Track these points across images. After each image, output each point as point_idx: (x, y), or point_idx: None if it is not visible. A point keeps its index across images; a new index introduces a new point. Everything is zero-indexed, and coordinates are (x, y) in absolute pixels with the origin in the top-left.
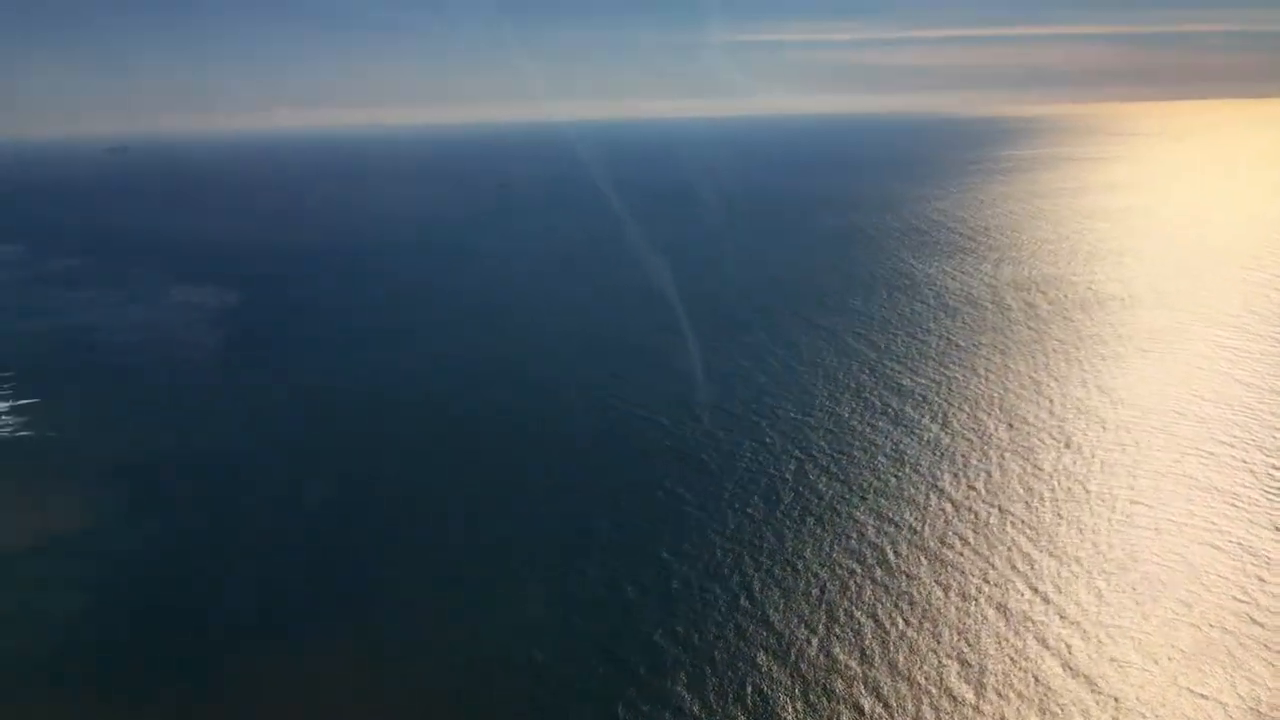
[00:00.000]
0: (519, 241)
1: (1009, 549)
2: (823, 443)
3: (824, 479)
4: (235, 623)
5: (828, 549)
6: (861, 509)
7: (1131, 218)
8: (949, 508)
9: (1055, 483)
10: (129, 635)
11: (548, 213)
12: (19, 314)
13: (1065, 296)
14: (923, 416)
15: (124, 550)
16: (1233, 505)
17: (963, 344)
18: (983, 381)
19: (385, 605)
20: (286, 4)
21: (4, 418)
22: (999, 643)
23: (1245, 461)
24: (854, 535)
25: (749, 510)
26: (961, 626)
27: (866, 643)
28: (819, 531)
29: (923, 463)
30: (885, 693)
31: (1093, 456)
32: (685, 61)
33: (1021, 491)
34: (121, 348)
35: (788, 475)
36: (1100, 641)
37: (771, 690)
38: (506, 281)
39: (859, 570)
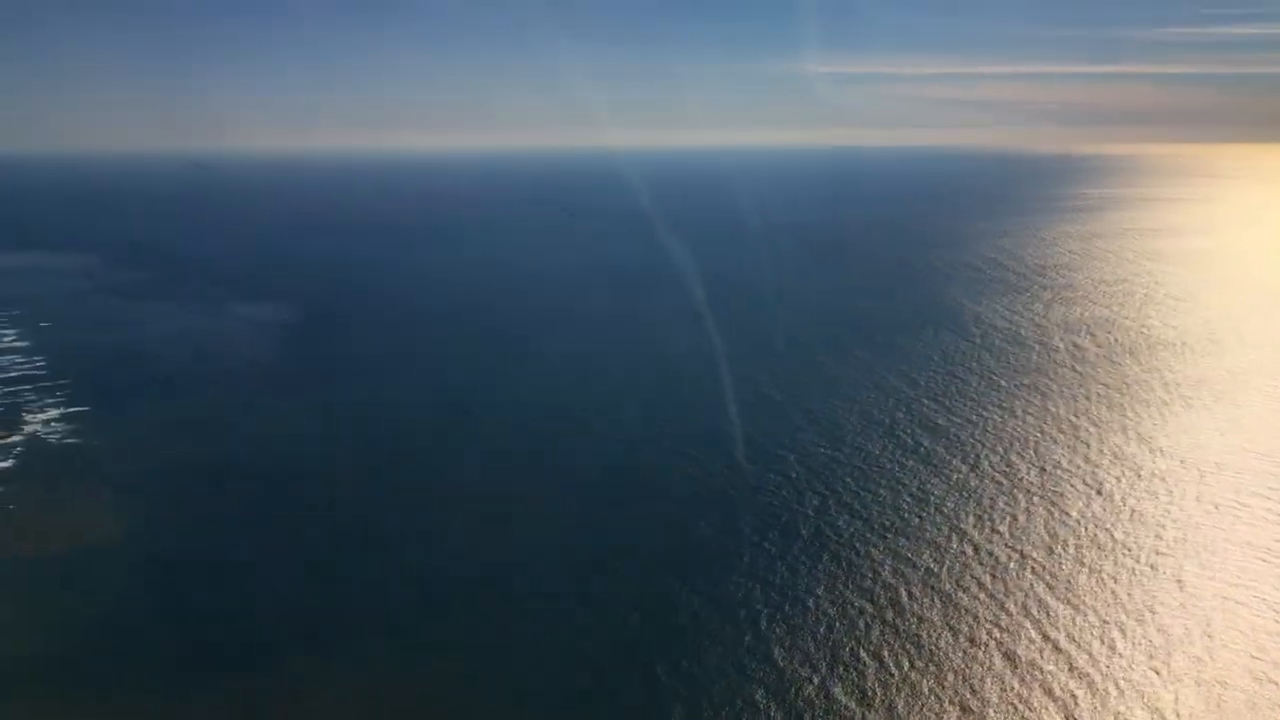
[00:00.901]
0: (571, 268)
1: (1025, 595)
2: (848, 479)
3: (845, 516)
4: (250, 635)
5: (840, 587)
6: (880, 548)
7: (1197, 261)
8: (969, 550)
9: (1081, 529)
10: (146, 641)
11: (606, 241)
12: (82, 325)
13: (1115, 340)
14: (953, 457)
15: (149, 559)
16: (1262, 560)
17: (1004, 384)
18: (1019, 423)
19: (393, 624)
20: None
21: (53, 424)
22: (1003, 690)
23: None
24: (869, 574)
25: (765, 544)
26: (967, 672)
27: (868, 684)
28: (833, 569)
29: (947, 504)
30: None
31: (1123, 505)
32: (765, 92)
33: (1045, 537)
34: (174, 360)
35: (809, 511)
36: (1107, 695)
37: None
38: (555, 308)
39: (869, 610)
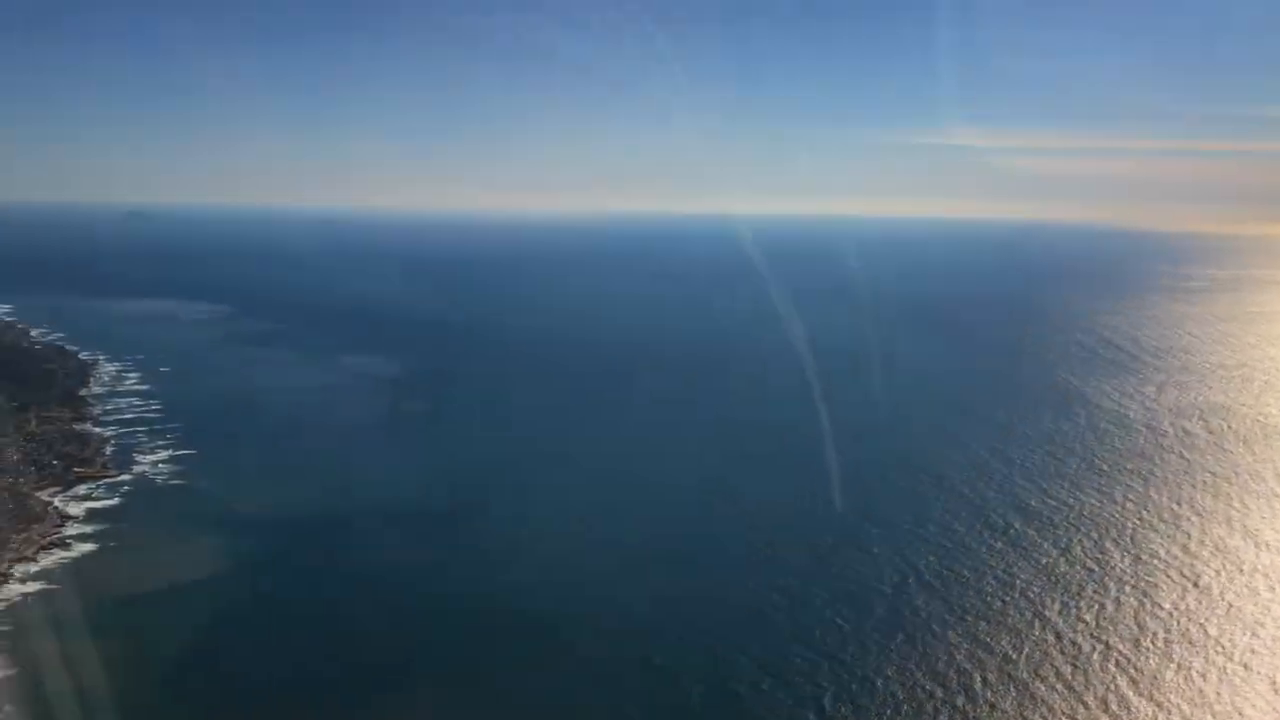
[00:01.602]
0: (676, 332)
1: (1105, 688)
2: (931, 557)
3: (923, 596)
4: (342, 679)
5: (912, 669)
6: (957, 630)
7: None
8: (1050, 639)
9: (1172, 623)
10: (234, 682)
11: (705, 307)
12: (203, 371)
13: (1228, 427)
14: (1044, 540)
15: (242, 601)
16: None
17: (1104, 468)
18: (1117, 509)
19: (472, 670)
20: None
21: (160, 466)
22: None
23: None
24: (943, 658)
25: (838, 619)
26: None
27: None
28: (906, 650)
29: (1033, 589)
30: None
31: (1220, 599)
32: (889, 161)
33: (1133, 628)
34: (285, 409)
35: (886, 588)
36: None
37: None
38: (658, 366)
39: (940, 694)
